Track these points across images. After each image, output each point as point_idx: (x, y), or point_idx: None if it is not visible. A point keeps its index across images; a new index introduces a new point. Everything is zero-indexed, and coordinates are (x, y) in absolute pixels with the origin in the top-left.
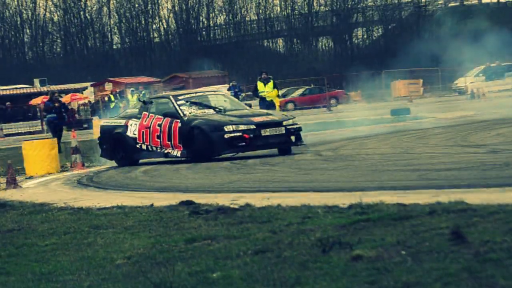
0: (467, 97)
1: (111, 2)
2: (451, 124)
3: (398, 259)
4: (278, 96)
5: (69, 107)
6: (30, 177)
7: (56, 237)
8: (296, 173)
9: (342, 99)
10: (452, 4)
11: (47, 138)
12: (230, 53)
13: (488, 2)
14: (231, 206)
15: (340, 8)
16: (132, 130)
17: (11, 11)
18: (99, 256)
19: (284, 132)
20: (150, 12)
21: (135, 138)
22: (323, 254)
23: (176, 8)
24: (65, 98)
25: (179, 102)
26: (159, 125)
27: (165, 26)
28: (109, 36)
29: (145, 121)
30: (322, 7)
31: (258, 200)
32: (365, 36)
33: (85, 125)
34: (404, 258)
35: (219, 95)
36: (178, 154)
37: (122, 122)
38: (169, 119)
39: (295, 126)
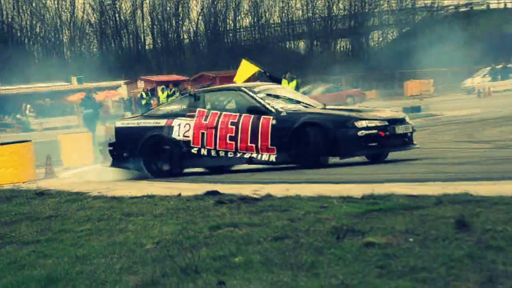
0: (475, 96)
1: (144, 5)
2: (460, 121)
3: (406, 246)
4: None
5: (104, 103)
6: (67, 168)
7: (90, 224)
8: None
9: (359, 97)
10: (463, 9)
11: (83, 132)
12: (255, 54)
13: (496, 8)
14: (253, 196)
15: (357, 12)
16: (182, 131)
17: (51, 14)
18: (130, 241)
19: (410, 130)
20: (181, 15)
21: (188, 141)
22: (337, 241)
23: (205, 11)
24: (100, 95)
25: (260, 95)
26: (234, 124)
27: (194, 28)
28: (142, 37)
29: (205, 120)
30: (341, 11)
31: (278, 190)
32: (380, 39)
33: None
34: (412, 245)
35: (283, 88)
36: (271, 159)
37: (160, 122)
38: (251, 115)
39: (412, 124)
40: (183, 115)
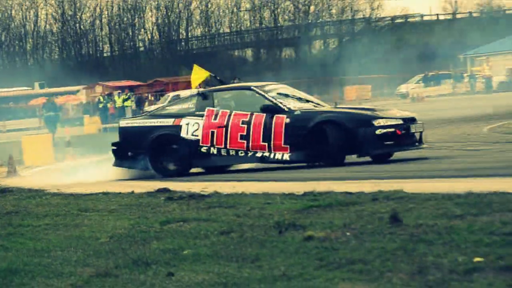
0: (409, 100)
1: (103, 15)
2: None
3: (343, 239)
4: None
5: (64, 107)
6: (29, 167)
7: (49, 219)
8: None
9: None
10: (399, 20)
11: (44, 134)
12: (205, 61)
13: (429, 20)
14: (202, 193)
15: (301, 23)
16: (191, 130)
17: (16, 23)
18: (86, 235)
19: (422, 130)
20: (137, 25)
21: (197, 140)
22: (279, 235)
23: (160, 21)
24: (60, 99)
25: (271, 94)
26: (246, 123)
27: (149, 37)
28: (100, 45)
29: (215, 119)
30: (286, 21)
31: (225, 188)
32: (322, 47)
33: (77, 123)
34: (349, 238)
35: (288, 88)
36: (285, 158)
37: (167, 121)
38: (264, 114)
39: (423, 124)
40: (192, 114)
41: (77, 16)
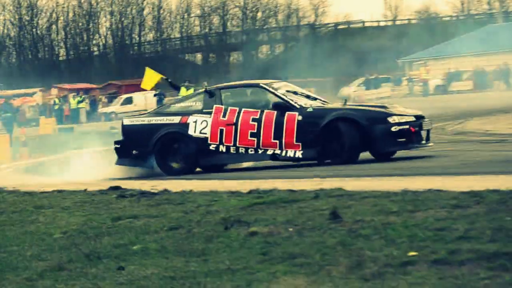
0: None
1: (59, 21)
2: None
3: (286, 235)
4: None
5: (20, 109)
6: None
7: (5, 215)
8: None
9: None
10: (341, 26)
11: (1, 134)
12: (157, 65)
13: (370, 26)
14: (152, 190)
15: (249, 28)
16: (199, 128)
17: None
18: (40, 231)
19: (431, 127)
20: (91, 30)
21: (205, 138)
22: (225, 231)
23: (113, 26)
24: (17, 101)
25: (281, 91)
26: (256, 120)
27: (104, 42)
28: (56, 49)
29: (224, 116)
30: (234, 27)
31: (174, 186)
32: (269, 52)
33: (33, 124)
34: (291, 234)
35: (292, 85)
36: (297, 155)
37: (174, 119)
38: (274, 112)
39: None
40: (199, 112)
41: (34, 22)
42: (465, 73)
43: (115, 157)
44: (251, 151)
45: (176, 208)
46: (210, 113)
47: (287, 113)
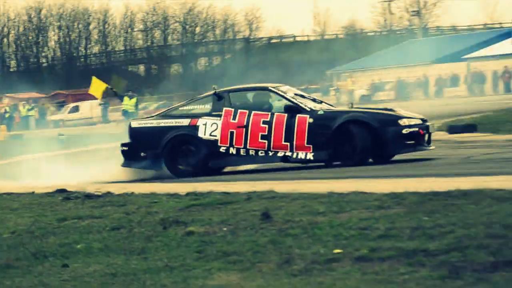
0: None
1: (10, 34)
2: None
3: (221, 234)
4: (137, 109)
5: None
6: None
7: None
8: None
9: None
10: (274, 40)
11: None
12: (102, 76)
13: (301, 40)
14: (96, 193)
15: (188, 42)
16: (209, 130)
17: None
18: None
19: (434, 130)
20: (41, 43)
21: (215, 140)
22: (163, 230)
23: (61, 40)
24: None
25: (289, 94)
26: (267, 122)
27: (52, 54)
28: (7, 61)
29: (234, 119)
30: (174, 41)
31: (117, 189)
32: (207, 64)
33: None
34: (225, 233)
35: (295, 89)
36: (308, 157)
37: (183, 121)
38: (285, 114)
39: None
40: (209, 115)
41: None
42: (388, 84)
43: (64, 162)
44: (262, 153)
45: (118, 210)
46: (219, 115)
47: (297, 115)
